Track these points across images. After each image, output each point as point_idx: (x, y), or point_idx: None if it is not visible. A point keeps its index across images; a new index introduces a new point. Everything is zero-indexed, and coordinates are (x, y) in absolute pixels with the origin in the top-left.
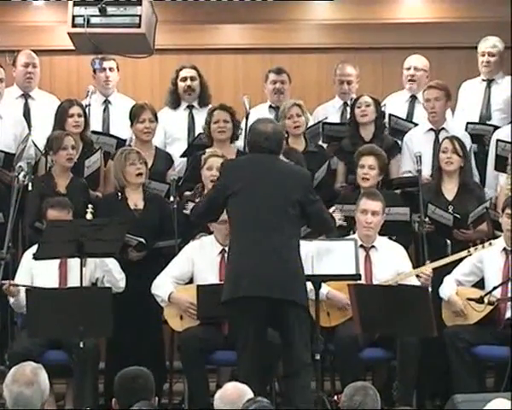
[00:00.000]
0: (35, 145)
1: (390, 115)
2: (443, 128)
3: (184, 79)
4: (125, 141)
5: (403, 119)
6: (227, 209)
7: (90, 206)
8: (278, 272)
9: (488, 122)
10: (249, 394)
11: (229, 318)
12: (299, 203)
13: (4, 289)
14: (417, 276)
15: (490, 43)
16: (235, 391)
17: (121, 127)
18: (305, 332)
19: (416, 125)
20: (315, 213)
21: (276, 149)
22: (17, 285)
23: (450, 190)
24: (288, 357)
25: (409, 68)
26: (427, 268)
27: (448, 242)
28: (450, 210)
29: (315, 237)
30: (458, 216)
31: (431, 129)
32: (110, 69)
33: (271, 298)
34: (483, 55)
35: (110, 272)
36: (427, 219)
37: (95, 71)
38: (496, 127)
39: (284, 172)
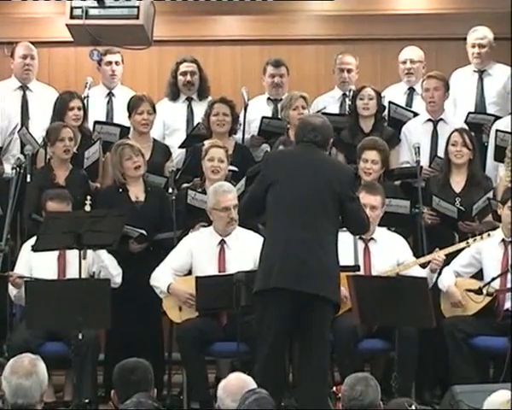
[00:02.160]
0: (32, 137)
1: (390, 103)
2: (441, 119)
3: (184, 74)
4: (128, 128)
5: (402, 107)
6: (267, 199)
7: (88, 198)
8: (310, 265)
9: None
10: (252, 385)
11: (256, 308)
12: (339, 198)
13: (11, 281)
14: (421, 265)
15: (479, 35)
16: (237, 382)
17: (124, 119)
18: (326, 333)
19: (415, 114)
20: (353, 211)
21: (321, 142)
22: (23, 277)
23: (458, 182)
24: (306, 359)
25: (404, 62)
26: (440, 254)
27: (456, 235)
28: (457, 202)
29: None
30: (462, 208)
31: (429, 119)
32: (116, 63)
33: (300, 292)
34: (473, 47)
35: (106, 268)
36: (425, 210)
37: (99, 63)
38: (497, 117)
39: (326, 165)
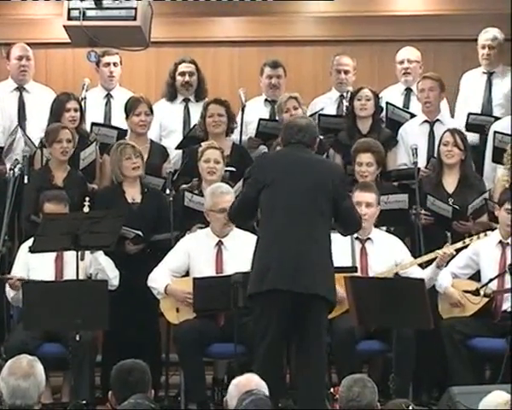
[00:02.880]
0: (28, 138)
1: (387, 104)
2: (438, 120)
3: (183, 74)
4: (125, 131)
5: (400, 108)
6: (260, 201)
7: (87, 199)
8: (306, 265)
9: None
10: (263, 388)
11: (253, 310)
12: (332, 197)
13: (11, 283)
14: (418, 265)
15: (490, 36)
16: (247, 383)
17: (122, 121)
18: (323, 333)
19: (412, 115)
20: (346, 210)
21: (309, 142)
22: (23, 280)
23: (450, 183)
24: (303, 360)
25: (402, 62)
26: (449, 249)
27: (448, 234)
28: (450, 203)
29: None
30: (457, 207)
31: (426, 121)
32: (114, 64)
33: (296, 292)
34: (483, 48)
35: (103, 271)
36: (423, 211)
37: (97, 65)
38: (497, 118)
39: (318, 164)
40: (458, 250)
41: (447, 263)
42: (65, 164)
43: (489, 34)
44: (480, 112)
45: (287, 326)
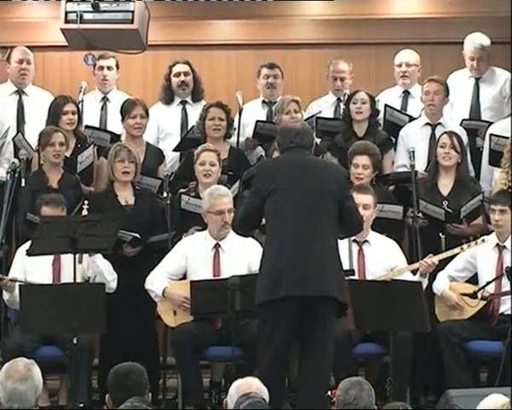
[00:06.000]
0: (27, 142)
1: (385, 106)
2: (439, 123)
3: (178, 75)
4: (118, 136)
5: (398, 110)
6: (266, 208)
7: (86, 202)
8: (318, 268)
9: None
10: (264, 394)
11: (257, 315)
12: (337, 198)
13: (3, 284)
14: (412, 271)
15: (477, 46)
16: (248, 386)
17: (118, 125)
18: (331, 335)
19: (410, 117)
20: (349, 210)
21: (308, 144)
22: (16, 281)
23: (445, 185)
24: (309, 362)
25: (400, 65)
26: (432, 259)
27: (442, 236)
28: (444, 205)
29: None
30: (450, 210)
31: (427, 123)
32: (108, 68)
33: (312, 297)
34: (472, 60)
35: (101, 273)
36: (420, 214)
37: (94, 67)
38: (490, 123)
39: (321, 166)
40: (454, 256)
41: (431, 273)
42: (58, 166)
43: (476, 44)
44: (467, 116)
45: (294, 330)
